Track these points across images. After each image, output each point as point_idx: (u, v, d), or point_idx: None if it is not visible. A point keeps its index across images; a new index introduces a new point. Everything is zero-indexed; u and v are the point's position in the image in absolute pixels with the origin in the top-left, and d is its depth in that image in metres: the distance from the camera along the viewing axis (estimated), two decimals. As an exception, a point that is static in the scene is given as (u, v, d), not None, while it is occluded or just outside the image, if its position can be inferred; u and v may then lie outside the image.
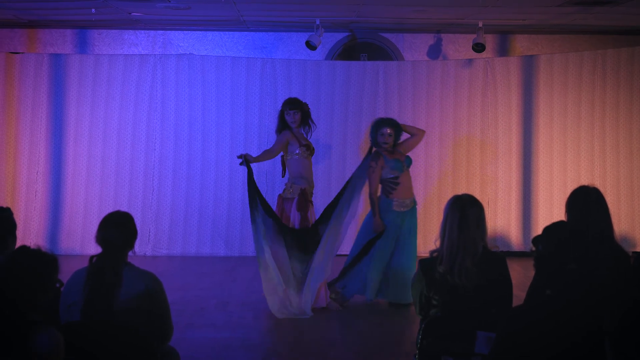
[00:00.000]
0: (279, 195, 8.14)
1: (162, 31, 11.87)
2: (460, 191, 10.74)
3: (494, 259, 4.57)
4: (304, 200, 7.88)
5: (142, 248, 10.84)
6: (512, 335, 3.46)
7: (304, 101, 8.16)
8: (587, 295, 3.50)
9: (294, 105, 7.96)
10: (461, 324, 4.39)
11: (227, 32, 11.87)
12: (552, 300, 3.48)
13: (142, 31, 11.88)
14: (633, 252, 10.20)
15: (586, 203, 4.66)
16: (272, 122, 10.95)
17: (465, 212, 4.50)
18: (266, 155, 8.13)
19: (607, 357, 3.36)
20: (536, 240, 3.56)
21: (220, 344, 6.86)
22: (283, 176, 8.17)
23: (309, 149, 7.98)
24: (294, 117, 7.92)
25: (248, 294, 8.73)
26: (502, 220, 11.04)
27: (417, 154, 10.99)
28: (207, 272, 9.99)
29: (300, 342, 6.97)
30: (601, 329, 3.40)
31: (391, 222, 8.01)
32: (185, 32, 11.86)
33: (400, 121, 10.93)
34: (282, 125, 7.99)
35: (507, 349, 3.47)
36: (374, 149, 8.11)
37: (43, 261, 3.69)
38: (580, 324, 3.43)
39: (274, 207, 7.99)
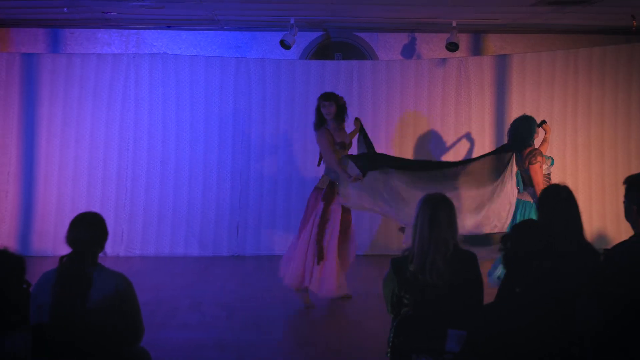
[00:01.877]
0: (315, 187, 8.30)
1: (135, 30, 11.81)
2: (433, 190, 10.82)
3: (465, 258, 4.58)
4: (331, 192, 8.04)
5: (115, 249, 10.77)
6: (483, 333, 3.47)
7: (339, 95, 8.30)
8: (557, 292, 3.52)
9: (328, 97, 8.14)
10: (432, 322, 4.39)
11: (201, 32, 11.83)
12: (521, 298, 3.49)
13: (115, 30, 11.81)
14: (605, 250, 10.22)
15: (556, 201, 4.68)
16: (246, 122, 10.96)
17: (435, 211, 4.51)
18: (338, 166, 8.01)
19: (584, 353, 3.38)
20: (505, 238, 3.57)
21: (193, 344, 6.83)
22: (319, 165, 8.36)
23: (343, 147, 8.12)
24: (329, 109, 8.07)
25: (222, 294, 8.71)
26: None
27: (391, 153, 11.03)
28: (181, 272, 9.94)
29: (274, 341, 6.95)
30: (572, 326, 3.42)
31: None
32: (159, 31, 11.81)
33: (375, 120, 11.03)
34: (320, 120, 8.14)
35: (478, 346, 3.48)
36: (531, 149, 7.80)
37: (9, 262, 3.65)
38: (550, 320, 3.44)
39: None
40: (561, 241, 4.08)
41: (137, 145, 10.94)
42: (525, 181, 7.74)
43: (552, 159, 8.16)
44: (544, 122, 8.40)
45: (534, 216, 7.37)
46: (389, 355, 4.54)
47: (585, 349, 3.41)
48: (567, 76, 11.12)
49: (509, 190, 7.66)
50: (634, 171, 10.46)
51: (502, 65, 11.14)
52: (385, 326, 4.91)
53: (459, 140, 11.14)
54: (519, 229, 3.59)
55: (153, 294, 8.54)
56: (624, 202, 4.39)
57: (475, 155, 11.05)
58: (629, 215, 4.40)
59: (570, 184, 10.98)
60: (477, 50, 12.07)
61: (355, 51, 12.08)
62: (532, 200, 7.71)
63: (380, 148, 10.98)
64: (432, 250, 4.46)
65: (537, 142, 8.03)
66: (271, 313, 7.91)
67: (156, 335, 6.87)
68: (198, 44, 11.85)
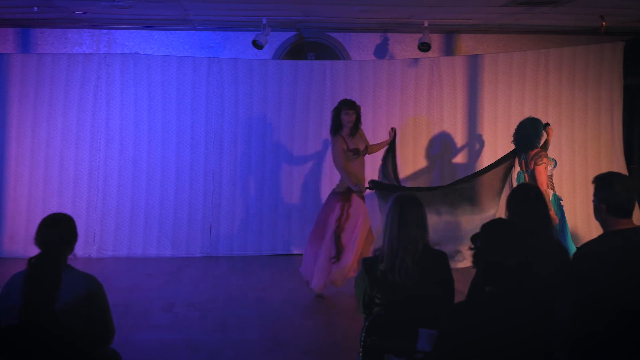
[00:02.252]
0: (333, 190, 8.58)
1: (107, 30, 11.73)
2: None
3: (436, 257, 4.61)
4: (348, 195, 8.30)
5: (87, 250, 10.70)
6: (454, 332, 3.47)
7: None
8: (526, 291, 3.53)
9: (352, 106, 8.40)
10: (404, 321, 4.40)
11: (173, 32, 11.78)
12: (491, 297, 3.51)
13: (87, 30, 11.72)
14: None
15: (525, 200, 4.72)
16: (218, 122, 10.93)
17: (404, 210, 4.53)
18: (344, 171, 8.33)
19: (554, 350, 3.39)
20: (474, 237, 3.58)
21: (165, 345, 6.81)
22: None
23: (356, 153, 8.36)
24: (351, 117, 8.33)
25: (194, 295, 8.69)
26: (449, 219, 11.12)
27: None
28: (154, 273, 9.89)
29: (247, 341, 6.94)
30: (543, 324, 3.43)
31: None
32: (130, 31, 11.74)
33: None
34: (337, 125, 8.37)
35: (449, 345, 3.48)
36: (537, 150, 8.05)
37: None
38: (520, 319, 3.46)
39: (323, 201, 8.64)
40: (530, 240, 4.10)
41: (108, 146, 10.86)
42: (529, 182, 7.87)
43: (555, 160, 8.38)
44: (547, 124, 8.63)
45: None
46: (361, 355, 4.55)
47: (556, 348, 3.42)
48: (538, 76, 11.20)
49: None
50: (604, 170, 10.61)
51: (474, 65, 11.19)
52: (358, 326, 4.91)
53: (433, 140, 11.18)
54: (488, 228, 3.60)
55: (125, 295, 8.50)
56: (593, 200, 4.43)
57: (448, 155, 11.12)
58: (598, 213, 4.44)
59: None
60: (449, 50, 12.12)
61: (328, 51, 12.08)
62: None
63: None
64: (400, 250, 4.48)
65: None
66: (244, 313, 7.90)
67: (128, 337, 6.86)
68: (170, 44, 11.80)
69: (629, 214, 4.35)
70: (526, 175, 8.06)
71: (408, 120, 11.15)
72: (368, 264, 4.61)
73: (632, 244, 4.33)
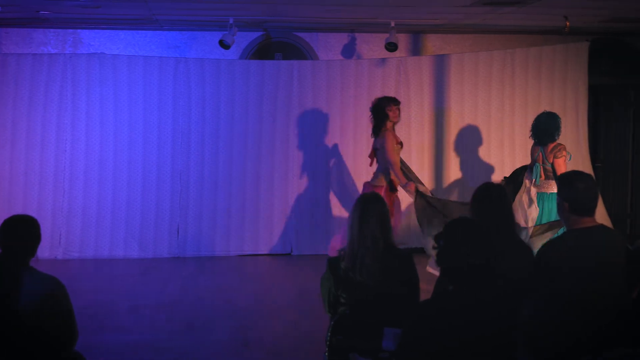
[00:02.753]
0: (368, 183, 8.89)
1: (72, 30, 11.61)
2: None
3: (400, 256, 4.62)
4: (391, 190, 8.65)
5: (53, 251, 10.60)
6: (417, 331, 3.48)
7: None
8: (490, 290, 3.55)
9: (396, 102, 8.90)
10: (368, 321, 4.41)
11: (139, 31, 11.69)
12: (455, 295, 3.52)
13: (52, 30, 11.60)
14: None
15: (488, 199, 4.75)
16: (185, 122, 10.87)
17: (365, 209, 4.55)
18: (396, 166, 8.75)
19: (517, 349, 3.41)
20: (438, 236, 3.59)
21: (130, 347, 6.78)
22: (371, 165, 9.00)
23: (402, 146, 8.87)
24: (396, 113, 8.82)
25: (161, 296, 8.65)
26: (415, 218, 11.12)
27: (333, 153, 11.07)
28: (120, 274, 9.83)
29: (213, 343, 6.92)
30: (506, 322, 3.45)
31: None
32: (96, 31, 11.63)
33: (315, 120, 11.05)
34: (382, 122, 8.76)
35: (413, 344, 3.49)
36: (557, 143, 8.36)
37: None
38: (484, 318, 3.47)
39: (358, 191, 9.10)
40: (494, 239, 4.13)
41: (74, 147, 10.76)
42: (548, 174, 8.20)
43: (571, 154, 8.61)
44: None
45: (553, 206, 7.96)
46: (326, 354, 4.55)
47: (521, 347, 3.44)
48: (504, 76, 11.27)
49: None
50: (570, 169, 10.69)
51: (440, 65, 11.23)
52: (325, 326, 4.91)
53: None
54: (451, 227, 3.61)
55: (91, 297, 8.44)
56: (557, 199, 4.47)
57: (414, 155, 11.15)
58: (561, 212, 4.49)
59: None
60: (416, 50, 12.16)
61: (296, 51, 12.07)
62: (549, 192, 8.20)
63: (320, 148, 11.04)
64: (361, 249, 4.49)
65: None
66: (211, 314, 7.88)
67: (93, 339, 6.80)
68: (136, 44, 11.71)
69: (590, 212, 4.40)
70: (542, 167, 8.28)
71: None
72: (332, 264, 4.62)
73: (594, 242, 4.38)
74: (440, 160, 11.21)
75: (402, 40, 11.78)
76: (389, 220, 4.61)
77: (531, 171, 8.38)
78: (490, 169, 11.16)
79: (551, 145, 8.26)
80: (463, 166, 11.20)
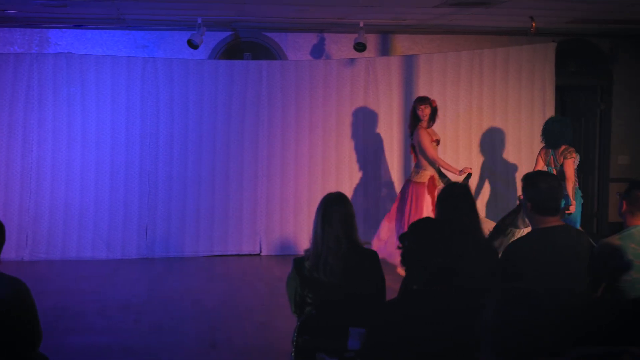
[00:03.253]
0: (408, 180, 9.20)
1: (39, 29, 11.51)
2: (344, 189, 10.91)
3: (365, 256, 4.63)
4: (433, 185, 8.93)
5: (20, 253, 10.51)
6: (382, 330, 3.49)
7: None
8: (454, 290, 3.56)
9: (423, 101, 9.16)
10: (334, 320, 4.42)
11: (107, 31, 11.62)
12: (419, 295, 3.53)
13: (18, 29, 11.49)
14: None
15: (451, 199, 4.77)
16: (153, 122, 10.82)
17: (328, 209, 4.56)
18: (440, 160, 9.15)
19: (480, 349, 3.43)
20: (403, 236, 3.60)
21: (98, 349, 6.73)
22: (414, 161, 9.25)
23: (438, 144, 9.21)
24: (424, 111, 9.08)
25: (129, 297, 8.60)
26: (385, 217, 11.20)
27: (301, 153, 11.07)
28: (88, 275, 9.76)
29: (181, 344, 6.90)
30: (470, 322, 3.47)
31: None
32: (63, 30, 11.54)
33: (284, 120, 11.04)
34: (416, 120, 9.13)
35: (378, 343, 3.50)
36: (567, 146, 8.66)
37: None
38: (447, 317, 3.49)
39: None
40: (458, 239, 4.15)
41: (41, 147, 10.67)
42: (560, 176, 8.46)
43: (579, 156, 8.92)
44: None
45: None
46: (293, 354, 4.56)
47: (484, 347, 3.46)
48: (472, 76, 11.34)
49: None
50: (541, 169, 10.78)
51: (409, 66, 11.28)
52: (294, 326, 4.92)
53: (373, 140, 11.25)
54: (416, 227, 3.63)
55: (58, 298, 8.38)
56: (522, 199, 4.51)
57: (385, 155, 11.19)
58: (526, 212, 4.53)
59: (477, 181, 11.27)
60: (385, 50, 12.19)
61: (265, 51, 12.06)
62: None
63: (289, 147, 11.04)
64: (325, 248, 4.50)
65: None
66: (179, 315, 7.86)
67: (61, 341, 6.76)
68: (104, 44, 11.63)
69: (554, 212, 4.44)
70: (554, 170, 8.57)
71: (344, 119, 11.18)
72: (298, 264, 4.62)
73: (558, 241, 4.42)
74: (409, 160, 11.23)
75: (371, 40, 11.81)
76: (353, 220, 4.62)
77: None
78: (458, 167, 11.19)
79: (562, 148, 8.59)
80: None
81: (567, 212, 8.30)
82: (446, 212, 4.71)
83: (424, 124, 9.07)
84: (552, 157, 8.67)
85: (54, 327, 7.11)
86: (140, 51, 11.62)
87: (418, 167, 9.09)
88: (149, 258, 10.79)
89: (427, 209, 8.74)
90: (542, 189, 4.40)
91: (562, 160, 8.55)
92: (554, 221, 4.46)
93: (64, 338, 6.92)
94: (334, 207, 4.56)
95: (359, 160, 11.22)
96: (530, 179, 4.50)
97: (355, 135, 11.21)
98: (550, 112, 11.46)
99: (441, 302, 3.50)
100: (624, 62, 12.74)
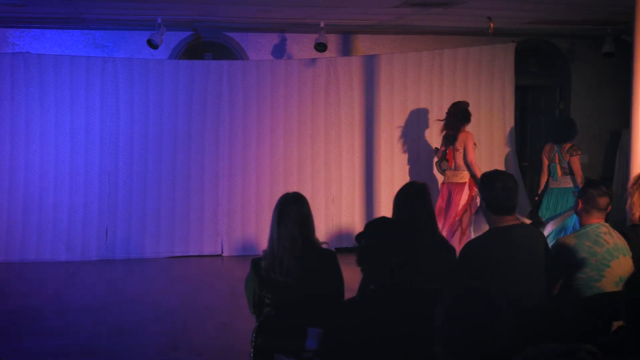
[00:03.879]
0: (444, 183, 9.48)
1: (-5, 29, 11.37)
2: (305, 189, 10.94)
3: (323, 255, 4.64)
4: (474, 184, 9.16)
5: (-23, 256, 10.39)
6: (338, 330, 3.49)
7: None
8: (411, 289, 3.58)
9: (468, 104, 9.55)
10: (293, 321, 4.42)
11: (66, 30, 11.49)
12: (375, 294, 3.54)
13: (-26, 28, 11.35)
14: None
15: (408, 197, 4.79)
16: (113, 123, 10.74)
17: (284, 209, 4.56)
18: (477, 167, 9.27)
19: (436, 348, 3.44)
20: (359, 236, 3.61)
21: (57, 351, 6.67)
22: (451, 165, 9.41)
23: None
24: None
25: (89, 300, 8.54)
26: (347, 218, 11.22)
27: (263, 153, 11.05)
28: (47, 278, 9.67)
29: (141, 346, 6.86)
30: (427, 321, 3.48)
31: None
32: (21, 30, 11.40)
33: (245, 121, 11.02)
34: (465, 123, 9.39)
35: (333, 343, 3.50)
36: (572, 144, 9.26)
37: None
38: (404, 316, 3.50)
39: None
40: (413, 238, 4.16)
41: (-2, 148, 10.55)
42: (565, 171, 9.18)
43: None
44: None
45: (559, 201, 9.19)
46: (252, 355, 4.55)
47: (438, 346, 3.47)
48: (432, 76, 11.39)
49: None
50: (497, 166, 10.90)
51: (370, 66, 11.30)
52: (253, 327, 4.91)
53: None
54: (371, 227, 3.64)
55: (18, 301, 8.31)
56: (479, 199, 4.56)
57: (345, 156, 11.21)
58: (483, 211, 4.57)
59: (438, 182, 11.37)
60: (346, 50, 12.21)
61: (226, 51, 12.02)
62: (566, 186, 9.19)
63: (250, 148, 11.02)
64: (281, 248, 4.51)
65: None
66: (139, 317, 7.80)
67: (19, 344, 6.69)
68: (63, 43, 11.51)
69: (509, 211, 4.48)
70: (558, 166, 9.22)
71: (306, 119, 11.18)
72: (256, 264, 4.62)
73: (514, 240, 4.46)
74: (371, 160, 11.28)
75: (332, 40, 11.83)
76: (310, 220, 4.63)
77: (549, 171, 9.32)
78: (420, 168, 11.27)
79: (567, 146, 9.15)
80: (394, 165, 11.28)
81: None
82: (402, 211, 4.73)
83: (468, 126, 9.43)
84: (557, 154, 9.20)
85: (12, 330, 7.04)
86: (100, 51, 11.52)
87: (457, 169, 9.32)
88: (109, 260, 10.70)
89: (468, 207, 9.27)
90: (496, 188, 4.44)
91: (568, 157, 9.12)
92: (510, 220, 4.50)
93: (22, 341, 6.84)
94: (290, 206, 4.57)
95: (320, 160, 11.22)
96: (487, 178, 4.54)
97: (316, 135, 11.21)
98: (510, 111, 11.56)
99: (398, 301, 3.51)
100: (581, 62, 12.90)
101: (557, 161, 9.23)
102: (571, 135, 9.31)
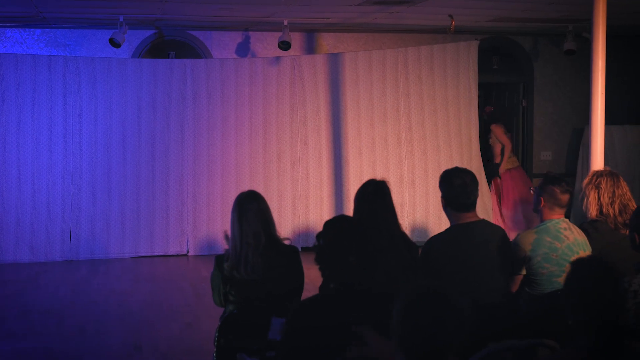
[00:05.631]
0: (495, 179, 11.63)
1: (-45, 28, 11.23)
2: (272, 188, 10.92)
3: (285, 252, 4.65)
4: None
5: (-62, 258, 10.24)
6: (298, 328, 3.49)
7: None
8: (370, 287, 3.58)
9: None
10: (256, 318, 4.41)
11: (27, 29, 11.37)
12: (335, 293, 3.54)
13: None
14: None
15: (366, 196, 4.79)
16: (76, 122, 10.64)
17: (243, 207, 4.57)
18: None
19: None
20: (319, 235, 3.61)
21: (20, 354, 6.62)
22: (497, 160, 11.70)
23: None
24: None
25: (52, 301, 8.46)
26: (315, 216, 11.20)
27: (228, 152, 11.02)
28: (10, 279, 9.55)
29: (105, 347, 6.81)
30: (385, 319, 3.48)
31: None
32: (-20, 28, 11.27)
33: (210, 120, 10.97)
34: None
35: (294, 341, 3.49)
36: None
37: None
38: (363, 314, 3.50)
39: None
40: (374, 235, 4.19)
41: (-41, 149, 10.41)
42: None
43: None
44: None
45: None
46: (215, 355, 4.54)
47: (395, 344, 3.48)
48: (398, 74, 11.40)
49: None
50: (465, 163, 10.94)
51: (335, 64, 11.30)
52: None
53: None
54: (330, 226, 3.64)
55: (-21, 304, 8.20)
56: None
57: (311, 154, 11.20)
58: (443, 208, 4.59)
59: (407, 179, 11.41)
60: (310, 48, 12.21)
61: (190, 50, 11.96)
62: None
63: (216, 147, 10.98)
64: (244, 246, 4.51)
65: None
66: (104, 318, 7.76)
67: (-20, 348, 6.62)
68: (24, 42, 11.38)
69: (468, 208, 4.50)
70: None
71: (271, 118, 11.16)
72: (220, 262, 4.63)
73: (475, 237, 4.49)
74: (339, 158, 11.28)
75: (297, 38, 11.82)
76: (269, 215, 4.65)
77: None
78: (388, 165, 11.30)
79: None
80: (362, 163, 11.29)
81: None
82: (361, 210, 4.74)
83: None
84: None
85: (-27, 333, 6.98)
86: (62, 50, 11.41)
87: (494, 159, 11.61)
88: (73, 260, 10.62)
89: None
90: (454, 184, 4.46)
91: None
92: (470, 217, 4.53)
93: (-17, 344, 6.78)
94: (249, 204, 4.59)
95: (287, 159, 11.20)
96: (446, 175, 4.56)
97: (282, 134, 11.19)
98: (474, 109, 11.61)
99: (357, 299, 3.51)
100: (544, 59, 13.01)
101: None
102: None
